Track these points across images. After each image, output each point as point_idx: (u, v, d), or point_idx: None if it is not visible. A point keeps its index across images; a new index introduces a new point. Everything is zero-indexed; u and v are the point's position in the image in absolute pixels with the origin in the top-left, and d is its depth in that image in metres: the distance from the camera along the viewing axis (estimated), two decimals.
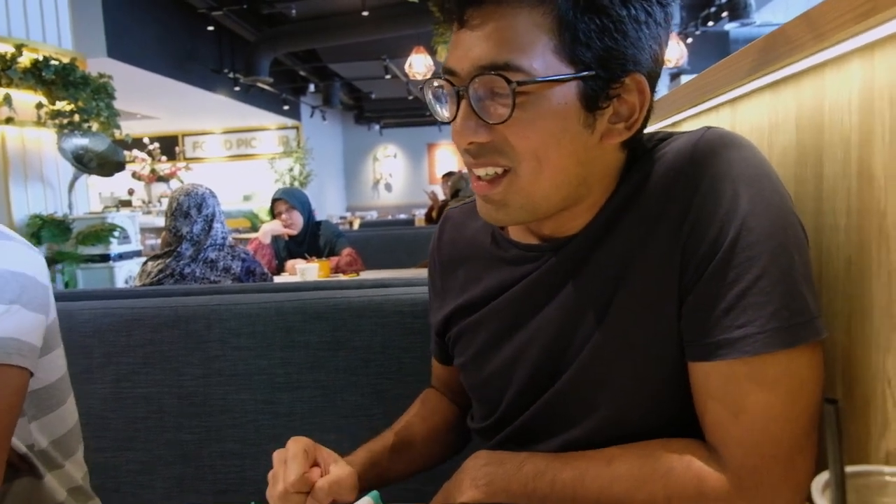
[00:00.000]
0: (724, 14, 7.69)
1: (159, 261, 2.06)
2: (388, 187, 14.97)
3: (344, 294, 1.34)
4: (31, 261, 0.88)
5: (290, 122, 12.44)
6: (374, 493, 0.75)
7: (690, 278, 0.62)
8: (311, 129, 12.86)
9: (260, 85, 9.23)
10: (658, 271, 0.64)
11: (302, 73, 10.73)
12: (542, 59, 0.60)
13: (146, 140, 9.43)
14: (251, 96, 10.12)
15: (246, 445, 1.31)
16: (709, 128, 0.67)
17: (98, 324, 1.36)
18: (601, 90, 0.62)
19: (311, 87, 11.06)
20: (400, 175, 14.97)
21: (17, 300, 0.83)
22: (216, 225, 2.14)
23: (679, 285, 0.63)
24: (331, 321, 1.31)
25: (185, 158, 12.34)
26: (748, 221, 0.60)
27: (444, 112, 0.69)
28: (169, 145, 12.05)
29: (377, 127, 14.62)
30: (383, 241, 3.75)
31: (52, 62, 4.70)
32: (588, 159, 0.65)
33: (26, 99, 4.64)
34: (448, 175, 5.15)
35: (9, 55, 4.50)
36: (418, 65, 5.46)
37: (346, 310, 1.31)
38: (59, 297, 1.05)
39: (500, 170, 0.65)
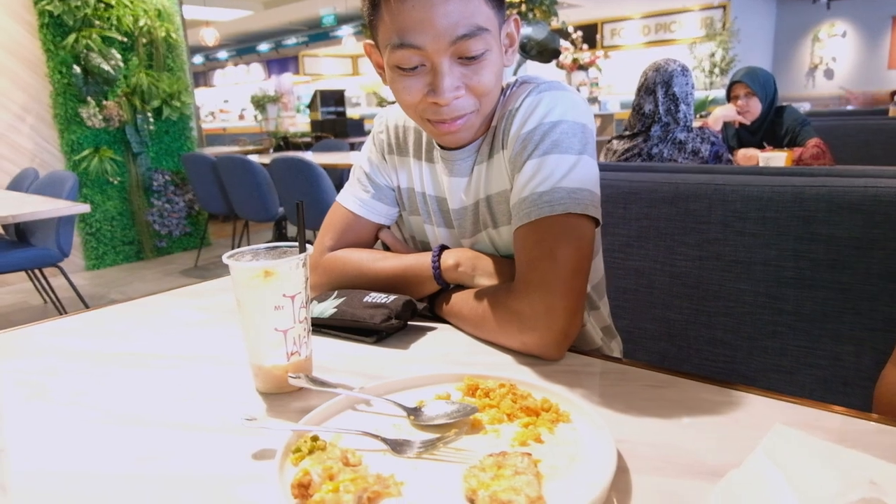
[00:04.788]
0: None
1: (625, 140, 2.06)
2: (828, 74, 12.60)
3: (888, 183, 1.09)
4: (587, 110, 0.90)
5: (716, 0, 11.28)
6: None
7: None
8: (739, 7, 11.46)
9: None
10: None
11: None
12: None
13: (570, 29, 9.69)
14: None
15: (739, 337, 1.23)
16: None
17: None
18: None
19: None
20: (847, 58, 12.39)
21: (584, 150, 0.86)
22: (682, 106, 2.02)
23: None
24: (867, 214, 1.09)
25: (604, 47, 12.40)
26: None
27: None
28: (589, 34, 12.21)
29: None
30: (852, 132, 3.12)
31: None
32: None
33: None
34: None
35: None
36: None
37: (889, 202, 1.07)
38: None
39: None
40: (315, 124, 9.73)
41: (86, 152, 5.08)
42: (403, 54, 0.82)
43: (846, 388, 1.15)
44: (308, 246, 0.76)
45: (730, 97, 2.83)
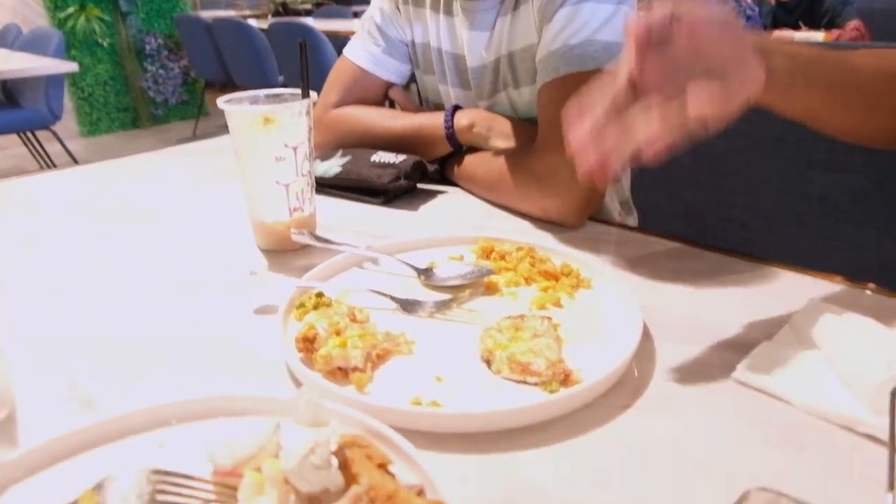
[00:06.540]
0: None
1: None
2: None
3: None
4: None
5: None
6: None
7: None
8: None
9: None
10: None
11: None
12: None
13: None
14: None
15: (759, 218, 1.18)
16: None
17: None
18: None
19: None
20: None
21: (625, 0, 0.76)
22: None
23: None
24: None
25: None
26: None
27: None
28: None
29: None
30: None
31: None
32: None
33: None
34: None
35: None
36: None
37: None
38: None
39: None
40: None
41: (71, 10, 4.78)
42: None
43: (864, 276, 1.12)
44: (312, 93, 0.69)
45: None
